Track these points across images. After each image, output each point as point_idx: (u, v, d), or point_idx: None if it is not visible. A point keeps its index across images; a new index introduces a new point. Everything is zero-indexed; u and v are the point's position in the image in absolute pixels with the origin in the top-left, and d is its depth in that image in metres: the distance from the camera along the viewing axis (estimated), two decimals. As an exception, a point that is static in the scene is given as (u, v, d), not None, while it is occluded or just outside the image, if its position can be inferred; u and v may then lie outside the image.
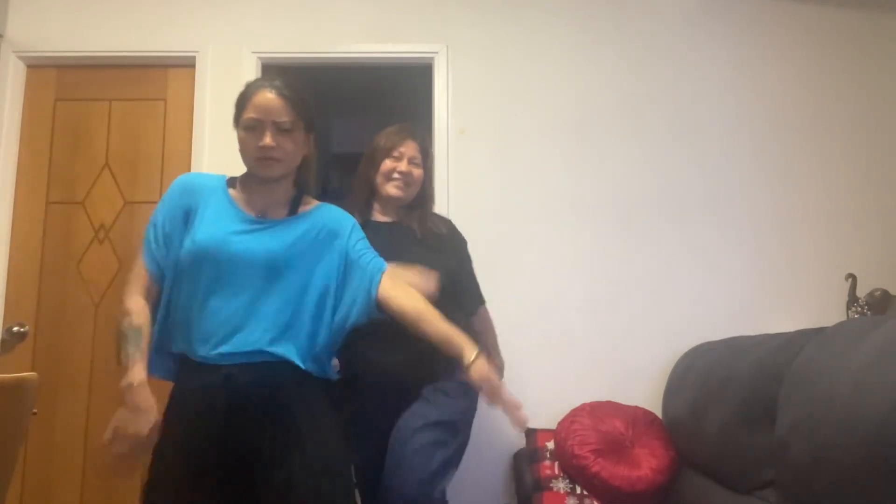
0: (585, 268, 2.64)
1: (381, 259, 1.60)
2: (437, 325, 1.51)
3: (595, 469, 2.16)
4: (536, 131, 2.73)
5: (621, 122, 2.75)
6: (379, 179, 2.00)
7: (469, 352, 1.46)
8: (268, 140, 1.49)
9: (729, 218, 2.69)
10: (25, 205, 2.72)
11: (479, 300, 2.18)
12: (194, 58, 2.75)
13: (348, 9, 2.80)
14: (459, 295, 2.01)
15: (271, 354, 1.46)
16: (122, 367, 1.47)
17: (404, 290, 1.55)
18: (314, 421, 1.48)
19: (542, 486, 2.26)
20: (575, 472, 2.23)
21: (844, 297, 2.50)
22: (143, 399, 1.45)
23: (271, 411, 1.45)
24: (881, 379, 1.21)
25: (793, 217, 2.69)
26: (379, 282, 1.54)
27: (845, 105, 2.77)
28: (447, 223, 2.12)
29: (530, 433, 2.41)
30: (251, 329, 1.45)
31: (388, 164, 1.99)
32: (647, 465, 2.18)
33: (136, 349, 1.48)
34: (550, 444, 2.34)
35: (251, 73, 2.73)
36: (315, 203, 1.65)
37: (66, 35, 2.77)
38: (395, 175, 1.98)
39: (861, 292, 2.48)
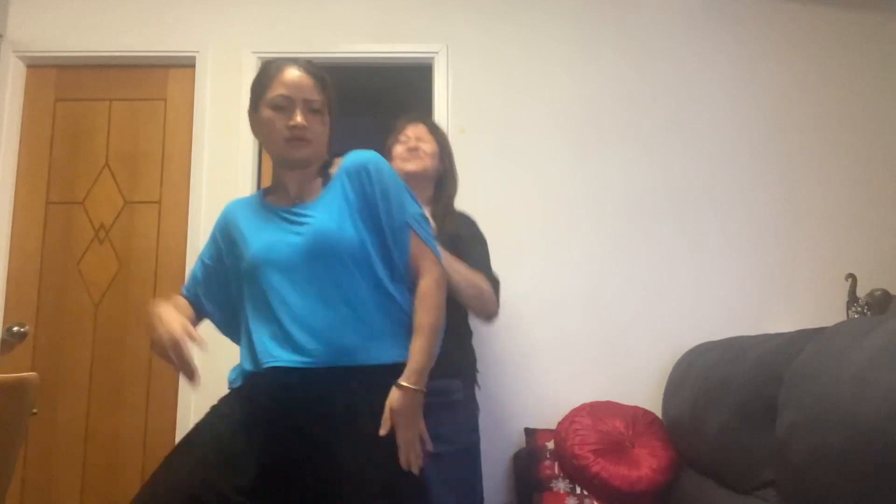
0: (585, 267, 2.64)
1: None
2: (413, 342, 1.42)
3: (595, 469, 2.16)
4: (537, 131, 2.73)
5: (621, 122, 2.75)
6: (396, 165, 1.99)
7: (403, 376, 1.38)
8: (300, 118, 1.42)
9: (729, 218, 2.69)
10: (25, 205, 2.72)
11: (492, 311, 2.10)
12: (194, 58, 2.75)
13: (348, 9, 2.81)
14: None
15: (358, 356, 1.38)
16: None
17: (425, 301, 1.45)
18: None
19: (542, 486, 2.26)
20: (575, 472, 2.23)
21: (844, 297, 2.50)
22: (162, 311, 1.37)
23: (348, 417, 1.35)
24: (881, 379, 1.20)
25: (793, 217, 2.69)
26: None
27: (845, 105, 2.77)
28: (467, 222, 2.10)
29: (530, 433, 2.41)
30: (329, 329, 1.37)
31: (398, 148, 2.02)
32: (647, 465, 2.18)
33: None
34: (550, 444, 2.34)
35: (251, 73, 2.70)
36: (341, 159, 1.54)
37: (66, 35, 2.77)
38: (404, 154, 2.00)
39: (861, 292, 2.47)
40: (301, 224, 1.43)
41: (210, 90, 2.71)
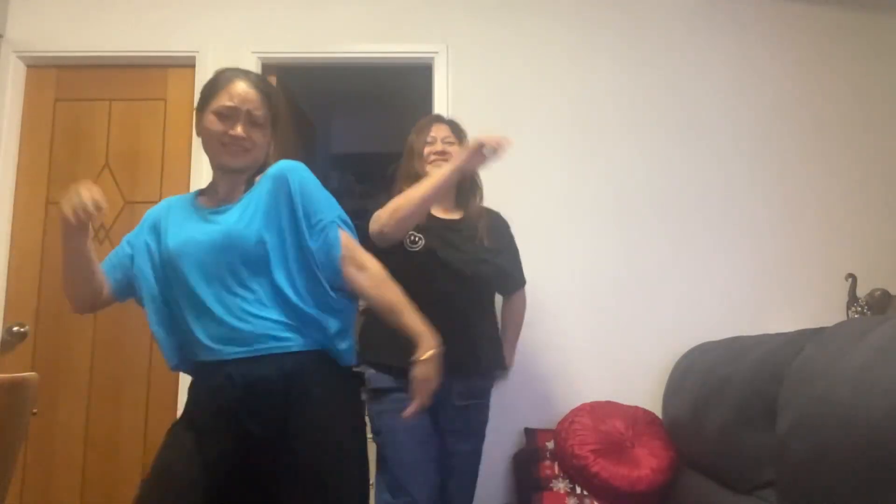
0: (586, 267, 2.64)
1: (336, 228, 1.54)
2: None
3: (595, 469, 2.16)
4: (536, 131, 2.73)
5: (621, 122, 2.75)
6: (421, 168, 2.03)
7: (423, 349, 1.48)
8: (240, 130, 1.49)
9: (729, 217, 2.69)
10: (25, 205, 2.72)
11: (519, 283, 2.28)
12: (194, 58, 2.75)
13: (348, 9, 2.80)
14: (503, 280, 2.19)
15: (275, 341, 1.44)
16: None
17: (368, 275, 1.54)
18: (324, 408, 1.46)
19: (542, 486, 2.26)
20: (575, 472, 2.23)
21: (844, 297, 2.50)
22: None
23: (282, 401, 1.42)
24: (881, 379, 1.21)
25: (793, 217, 2.69)
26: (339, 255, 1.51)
27: (846, 105, 2.77)
28: (503, 224, 2.22)
29: (530, 433, 2.41)
30: (246, 320, 1.44)
31: (426, 150, 2.05)
32: (647, 465, 2.18)
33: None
34: (550, 444, 2.34)
35: (251, 73, 2.73)
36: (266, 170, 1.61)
37: (66, 35, 2.77)
38: (432, 157, 2.03)
39: (861, 292, 2.48)
40: (215, 224, 1.50)
41: (210, 90, 2.72)
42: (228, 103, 1.49)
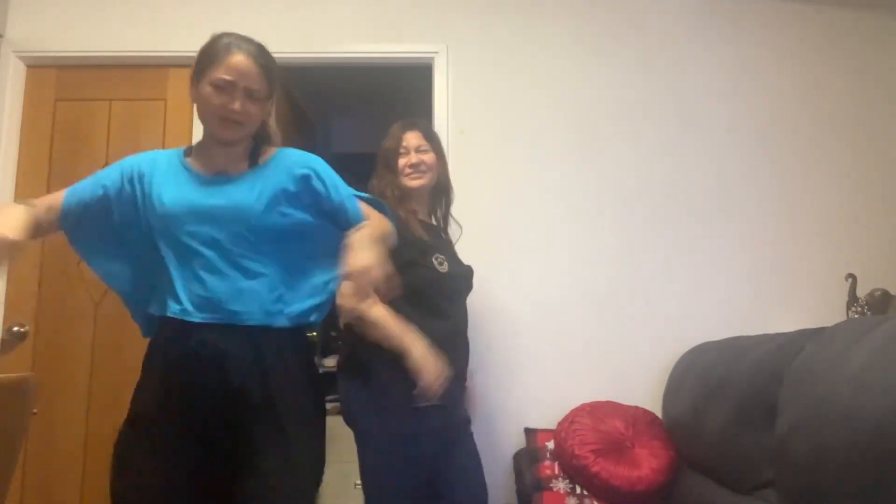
0: (586, 267, 2.64)
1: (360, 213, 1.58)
2: None
3: (595, 469, 2.16)
4: (537, 131, 2.73)
5: (621, 122, 2.75)
6: (399, 180, 2.04)
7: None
8: (238, 105, 1.47)
9: (730, 218, 2.69)
10: (25, 205, 2.72)
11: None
12: (194, 58, 2.74)
13: (348, 9, 2.80)
14: None
15: (255, 315, 1.45)
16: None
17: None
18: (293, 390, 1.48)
19: (542, 486, 2.26)
20: (575, 472, 2.23)
21: (844, 297, 2.50)
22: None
23: (251, 378, 1.44)
24: (881, 379, 1.21)
25: (793, 217, 2.69)
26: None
27: (846, 105, 2.77)
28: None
29: (530, 433, 2.41)
30: (236, 293, 1.44)
31: (400, 162, 2.03)
32: (647, 465, 2.18)
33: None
34: (550, 444, 2.34)
35: (251, 73, 2.73)
36: (274, 150, 1.61)
37: (66, 35, 2.77)
38: (407, 170, 2.02)
39: (861, 292, 2.47)
40: (221, 192, 1.49)
41: (210, 90, 2.71)
42: (227, 77, 1.46)
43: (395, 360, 1.58)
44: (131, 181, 1.56)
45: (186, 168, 1.56)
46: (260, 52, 1.51)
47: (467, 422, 2.01)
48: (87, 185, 1.58)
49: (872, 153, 2.74)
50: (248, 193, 1.49)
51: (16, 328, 2.61)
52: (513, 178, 2.70)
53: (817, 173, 2.72)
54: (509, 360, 2.55)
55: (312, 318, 1.55)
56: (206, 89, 1.48)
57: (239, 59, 1.47)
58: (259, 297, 1.46)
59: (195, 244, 1.45)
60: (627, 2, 2.83)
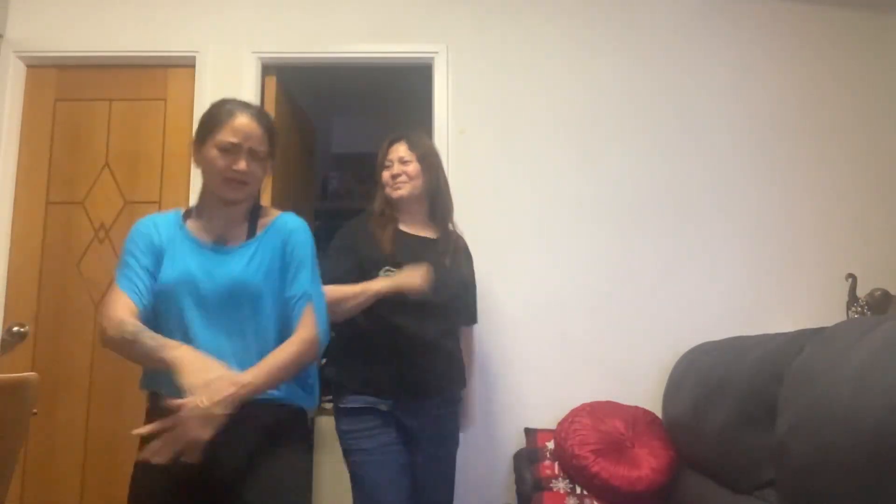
0: (586, 268, 2.64)
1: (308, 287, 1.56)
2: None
3: (595, 469, 2.16)
4: (537, 131, 2.73)
5: (621, 122, 2.75)
6: (383, 192, 2.07)
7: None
8: (243, 165, 1.51)
9: (729, 218, 2.69)
10: (25, 205, 2.72)
11: (473, 318, 2.24)
12: (194, 58, 2.75)
13: (348, 9, 2.80)
14: (463, 307, 2.14)
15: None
16: (151, 362, 1.43)
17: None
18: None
19: (542, 486, 2.26)
20: (575, 472, 2.23)
21: (844, 297, 2.50)
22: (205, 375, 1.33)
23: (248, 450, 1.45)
24: (881, 379, 1.21)
25: (793, 217, 2.69)
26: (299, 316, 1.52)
27: (846, 105, 2.77)
28: (462, 240, 2.19)
29: (530, 433, 2.41)
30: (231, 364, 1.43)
31: (385, 175, 2.06)
32: (647, 465, 2.18)
33: (153, 338, 1.41)
34: (550, 444, 2.34)
35: (251, 73, 2.73)
36: (275, 215, 1.63)
37: (66, 35, 2.77)
38: (390, 181, 2.05)
39: (861, 292, 2.47)
40: (220, 264, 1.52)
41: (210, 90, 2.70)
42: (232, 139, 1.51)
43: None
44: (151, 252, 1.56)
45: (187, 237, 1.57)
46: (261, 115, 1.59)
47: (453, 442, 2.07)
48: (142, 274, 1.54)
49: (872, 153, 2.74)
50: (245, 267, 1.52)
51: (16, 328, 2.61)
52: (513, 177, 2.70)
53: (817, 173, 2.72)
54: (509, 360, 2.55)
55: (310, 393, 1.62)
56: (212, 152, 1.52)
57: (243, 120, 1.53)
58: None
59: (197, 318, 1.49)
60: (628, 2, 2.83)
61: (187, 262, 1.52)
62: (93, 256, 2.69)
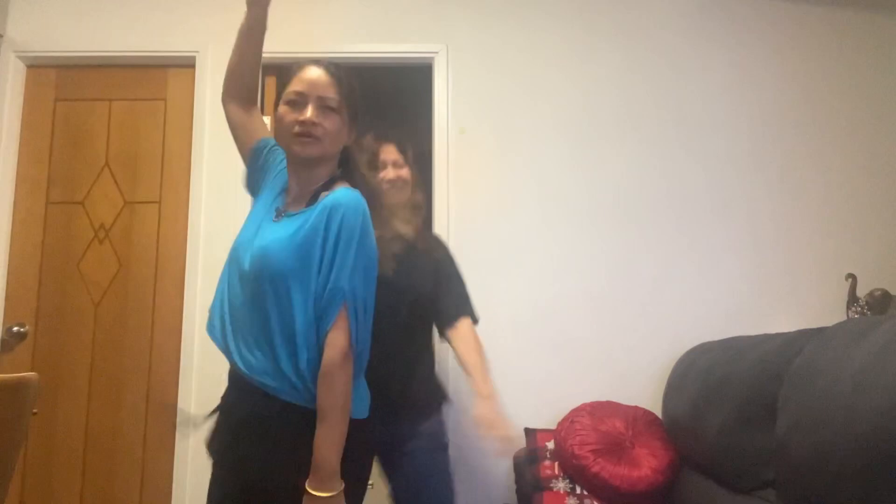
0: (585, 268, 2.64)
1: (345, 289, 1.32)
2: None
3: (595, 469, 2.16)
4: (537, 131, 2.73)
5: (621, 123, 2.75)
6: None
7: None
8: (309, 114, 1.38)
9: (729, 218, 2.69)
10: (25, 205, 2.72)
11: (458, 312, 2.00)
12: (194, 58, 2.75)
13: (348, 9, 2.80)
14: (436, 311, 2.00)
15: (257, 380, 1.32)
16: None
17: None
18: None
19: (542, 486, 2.26)
20: (575, 472, 2.23)
21: (844, 297, 2.50)
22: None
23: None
24: (881, 379, 1.21)
25: (793, 217, 2.69)
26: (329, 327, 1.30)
27: (845, 105, 2.77)
28: (445, 254, 2.10)
29: (530, 433, 2.41)
30: (260, 347, 1.33)
31: (378, 177, 2.00)
32: (647, 465, 2.18)
33: None
34: (550, 444, 2.34)
35: (251, 73, 2.73)
36: (337, 187, 1.42)
37: (66, 35, 2.77)
38: (386, 185, 1.98)
39: (861, 292, 2.48)
40: (263, 234, 1.39)
41: (210, 90, 2.71)
42: (298, 88, 1.42)
43: None
44: (270, 168, 1.53)
45: (280, 192, 1.48)
46: (334, 66, 1.48)
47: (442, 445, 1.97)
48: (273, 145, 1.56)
49: (872, 153, 2.74)
50: (279, 239, 1.35)
51: (16, 328, 2.61)
52: (512, 177, 2.70)
53: (817, 173, 2.72)
54: (509, 360, 2.55)
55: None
56: (281, 108, 1.43)
57: (311, 70, 1.45)
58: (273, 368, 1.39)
59: (239, 294, 1.41)
60: (627, 3, 2.83)
61: (248, 224, 1.45)
62: (93, 256, 2.69)
